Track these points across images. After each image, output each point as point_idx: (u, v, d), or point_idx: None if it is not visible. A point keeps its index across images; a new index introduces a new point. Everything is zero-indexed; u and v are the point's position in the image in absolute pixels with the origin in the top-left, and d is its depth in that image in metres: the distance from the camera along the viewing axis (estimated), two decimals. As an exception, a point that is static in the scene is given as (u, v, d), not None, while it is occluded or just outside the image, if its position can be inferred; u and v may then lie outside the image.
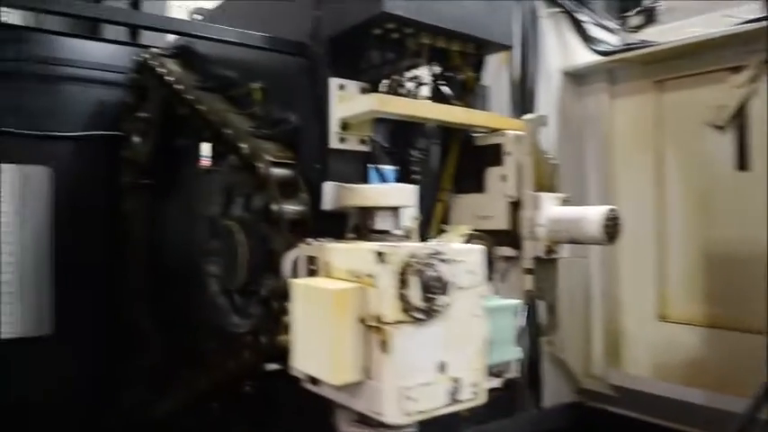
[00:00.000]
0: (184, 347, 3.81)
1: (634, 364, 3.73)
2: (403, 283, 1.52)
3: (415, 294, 1.52)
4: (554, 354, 3.70)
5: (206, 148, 3.62)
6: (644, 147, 3.64)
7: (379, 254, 1.54)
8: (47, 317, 4.58)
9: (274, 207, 2.43)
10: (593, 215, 2.35)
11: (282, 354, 2.60)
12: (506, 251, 2.60)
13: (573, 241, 2.47)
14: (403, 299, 1.52)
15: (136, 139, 4.19)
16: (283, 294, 2.43)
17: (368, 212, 1.82)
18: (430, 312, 1.55)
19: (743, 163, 3.21)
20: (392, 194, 1.79)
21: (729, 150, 3.26)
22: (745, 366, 3.13)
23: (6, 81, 4.43)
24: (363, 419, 1.89)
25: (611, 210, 2.34)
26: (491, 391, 2.05)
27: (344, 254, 1.69)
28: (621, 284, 3.81)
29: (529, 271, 2.55)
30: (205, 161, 3.61)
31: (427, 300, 1.53)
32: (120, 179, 4.42)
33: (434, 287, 1.53)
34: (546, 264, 2.57)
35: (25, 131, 4.46)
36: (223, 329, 3.07)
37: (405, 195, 1.81)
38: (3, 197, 4.49)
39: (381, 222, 1.81)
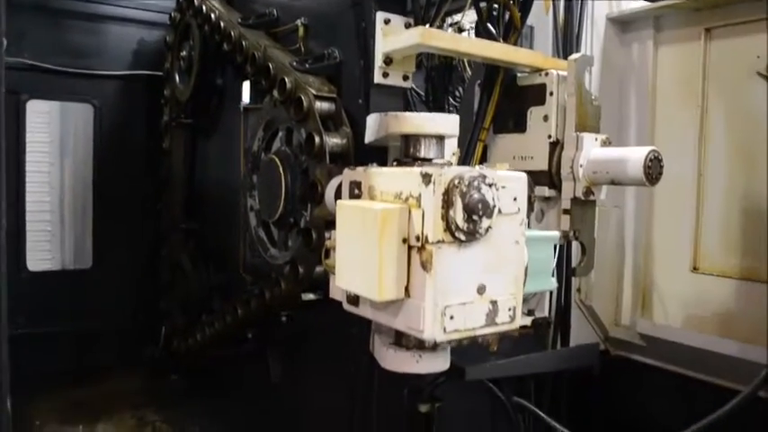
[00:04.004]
0: (220, 281, 3.93)
1: (664, 314, 3.71)
2: (447, 204, 1.55)
3: (458, 216, 1.55)
4: (583, 301, 3.72)
5: (246, 87, 3.67)
6: (688, 96, 3.56)
7: (426, 175, 1.57)
8: (88, 250, 4.75)
9: (317, 139, 2.48)
10: (635, 156, 2.34)
11: (319, 284, 2.70)
12: (544, 191, 2.61)
13: (613, 182, 2.47)
14: (446, 220, 1.55)
15: (177, 77, 4.25)
16: (323, 224, 2.51)
17: (413, 140, 1.84)
18: (472, 234, 1.58)
19: (788, 113, 3.13)
20: (438, 122, 1.81)
21: (775, 101, 3.17)
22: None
23: (50, 19, 4.50)
24: (399, 341, 1.96)
25: (653, 151, 2.33)
26: (521, 328, 2.10)
27: (390, 177, 1.73)
28: (655, 235, 3.77)
29: (566, 212, 2.56)
30: (246, 99, 3.67)
31: (470, 221, 1.56)
32: (160, 118, 4.50)
33: (478, 210, 1.56)
34: (584, 205, 2.58)
35: (69, 69, 4.55)
36: (260, 262, 3.17)
37: (450, 124, 1.82)
38: (47, 133, 4.61)
39: (426, 150, 1.83)
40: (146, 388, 4.37)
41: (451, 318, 1.60)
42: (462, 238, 1.57)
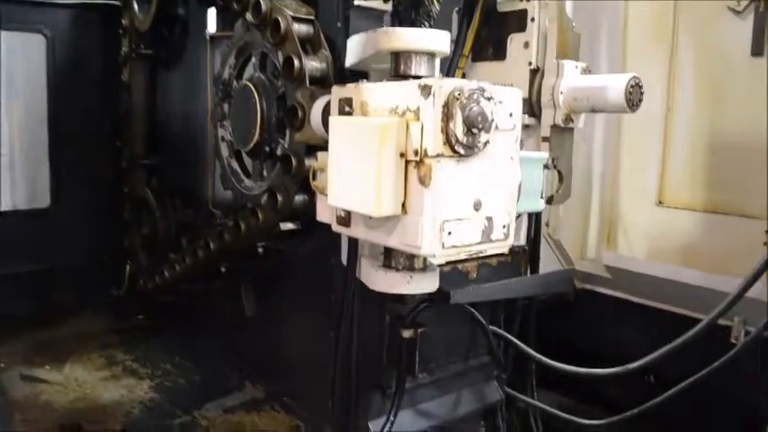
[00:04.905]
0: (188, 217, 3.85)
1: (629, 247, 3.80)
2: (447, 116, 1.53)
3: (458, 129, 1.53)
4: (551, 235, 3.78)
5: (212, 14, 3.53)
6: (659, 30, 3.58)
7: (425, 87, 1.54)
8: (45, 189, 4.57)
9: (296, 62, 2.40)
10: (616, 83, 2.35)
11: (298, 213, 2.66)
12: (524, 119, 2.60)
13: (593, 110, 2.49)
14: (446, 132, 1.53)
15: (136, 6, 4.05)
16: (303, 150, 2.46)
17: (404, 57, 1.79)
18: (471, 148, 1.56)
19: (758, 48, 3.18)
20: (430, 37, 1.76)
21: (746, 37, 3.22)
22: (741, 249, 3.21)
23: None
24: (389, 263, 1.96)
25: (635, 77, 2.34)
26: (498, 255, 2.12)
27: (385, 92, 1.69)
28: (622, 169, 3.83)
29: (545, 139, 2.57)
30: (211, 28, 3.53)
31: (470, 134, 1.54)
32: (119, 49, 4.30)
33: (477, 123, 1.54)
34: (563, 132, 2.60)
35: (18, -3, 4.27)
36: (233, 195, 3.10)
37: (442, 40, 1.78)
38: (-6, 66, 4.35)
39: (418, 67, 1.79)
40: (113, 328, 4.28)
41: (449, 233, 1.60)
42: (462, 151, 1.55)
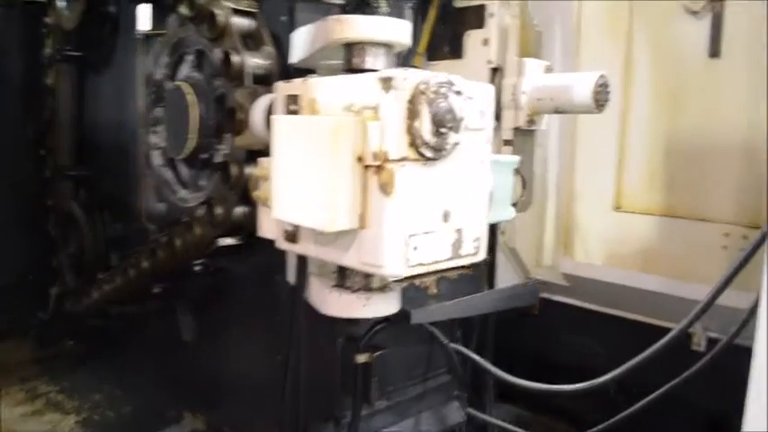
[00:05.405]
0: (118, 232, 3.54)
1: (586, 253, 3.71)
2: (412, 113, 1.32)
3: (425, 127, 1.32)
4: (506, 243, 3.65)
5: (144, 10, 3.25)
6: (613, 31, 3.49)
7: (386, 79, 1.32)
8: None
9: (236, 59, 2.16)
10: (582, 81, 2.21)
11: (238, 227, 2.42)
12: (484, 121, 2.44)
13: (556, 110, 2.34)
14: (411, 132, 1.32)
15: (61, 3, 3.72)
16: (243, 156, 2.22)
17: (358, 49, 1.58)
18: (439, 150, 1.36)
19: (715, 49, 3.11)
20: (389, 26, 1.55)
21: (703, 38, 3.15)
22: (699, 254, 3.16)
23: None
24: (343, 283, 1.73)
25: (602, 76, 2.21)
26: (459, 268, 1.94)
27: (338, 86, 1.46)
28: (578, 174, 3.74)
29: (507, 142, 2.41)
30: (144, 25, 3.25)
31: (438, 135, 1.33)
32: (42, 50, 3.96)
33: (447, 121, 1.33)
34: (525, 135, 2.45)
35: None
36: (167, 207, 2.83)
37: (402, 30, 1.58)
38: None
39: (374, 60, 1.58)
40: (37, 357, 3.90)
41: (415, 249, 1.39)
42: (428, 154, 1.34)
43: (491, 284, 3.28)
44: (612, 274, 3.50)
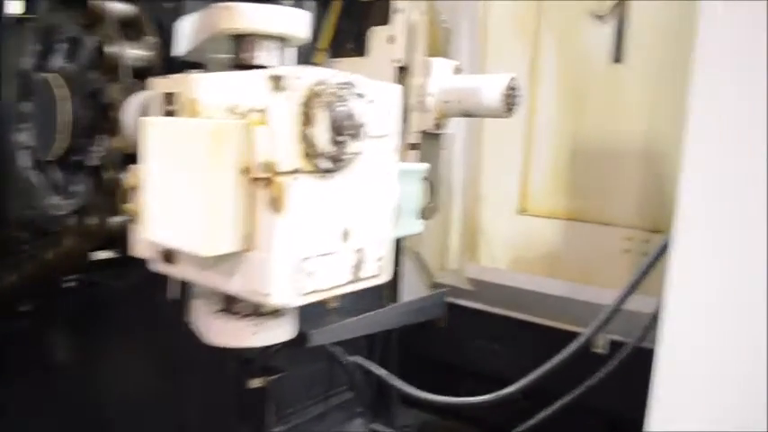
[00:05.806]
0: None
1: (492, 257, 3.67)
2: (306, 118, 1.13)
3: (322, 135, 1.13)
4: (410, 247, 3.56)
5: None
6: (521, 32, 3.45)
7: (276, 78, 1.12)
8: None
9: (111, 49, 1.90)
10: (492, 83, 2.09)
11: (116, 238, 2.14)
12: (389, 124, 2.28)
13: (465, 114, 2.22)
14: (306, 140, 1.13)
15: None
16: (120, 160, 1.95)
17: (247, 42, 1.38)
18: (338, 160, 1.18)
19: (618, 55, 3.12)
20: (282, 17, 1.36)
21: (608, 42, 3.16)
22: (603, 258, 3.18)
23: None
24: (229, 308, 1.52)
25: (513, 78, 2.10)
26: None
27: (221, 84, 1.24)
28: (482, 178, 3.69)
29: (414, 146, 2.26)
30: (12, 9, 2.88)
31: (336, 143, 1.16)
32: None
33: (346, 127, 1.16)
34: (432, 139, 2.31)
35: None
36: (37, 215, 2.50)
37: (298, 21, 1.38)
38: None
39: (266, 56, 1.38)
40: None
41: (310, 274, 1.20)
42: (325, 165, 1.16)
43: (394, 292, 3.16)
44: (517, 278, 3.48)
